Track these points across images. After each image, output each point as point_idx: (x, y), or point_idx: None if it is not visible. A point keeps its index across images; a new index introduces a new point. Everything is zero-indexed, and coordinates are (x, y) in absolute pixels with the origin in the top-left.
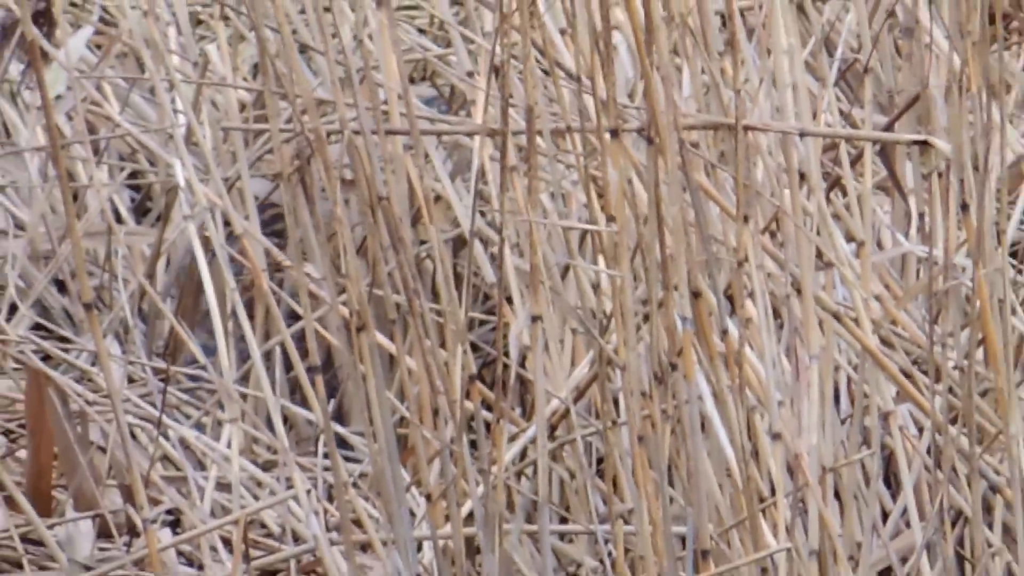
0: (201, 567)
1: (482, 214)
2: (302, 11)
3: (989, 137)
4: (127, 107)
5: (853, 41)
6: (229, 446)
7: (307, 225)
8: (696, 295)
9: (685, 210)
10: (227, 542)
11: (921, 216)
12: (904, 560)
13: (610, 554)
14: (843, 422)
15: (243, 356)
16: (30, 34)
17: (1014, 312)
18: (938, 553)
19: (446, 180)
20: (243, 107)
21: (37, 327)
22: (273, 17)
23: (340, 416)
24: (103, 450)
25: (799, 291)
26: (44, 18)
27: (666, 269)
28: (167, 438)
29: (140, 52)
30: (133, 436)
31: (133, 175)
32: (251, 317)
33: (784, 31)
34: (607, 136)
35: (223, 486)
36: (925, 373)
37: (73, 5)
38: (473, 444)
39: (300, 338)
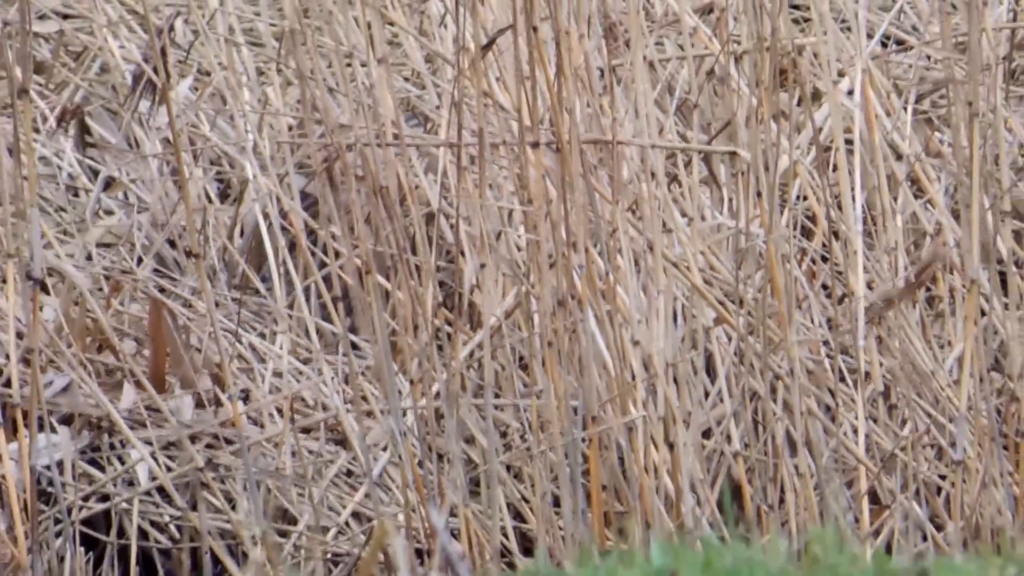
0: (263, 426)
1: (445, 199)
2: (329, 65)
3: (774, 149)
4: (215, 127)
5: (686, 86)
6: (281, 348)
7: (331, 204)
8: (586, 251)
9: (579, 196)
10: (279, 411)
11: (731, 200)
12: (719, 423)
13: (528, 419)
14: (680, 334)
15: (290, 290)
16: (160, 81)
17: (789, 262)
18: (741, 419)
19: (422, 176)
20: (290, 128)
21: (156, 271)
22: (311, 70)
23: (353, 329)
24: (199, 350)
25: (651, 249)
26: (162, 70)
27: (568, 234)
28: (241, 343)
29: (223, 92)
30: (218, 342)
31: (219, 172)
32: (295, 265)
33: (642, 79)
34: (529, 148)
35: (277, 374)
36: (733, 302)
37: (180, 62)
38: (440, 347)
39: (327, 278)
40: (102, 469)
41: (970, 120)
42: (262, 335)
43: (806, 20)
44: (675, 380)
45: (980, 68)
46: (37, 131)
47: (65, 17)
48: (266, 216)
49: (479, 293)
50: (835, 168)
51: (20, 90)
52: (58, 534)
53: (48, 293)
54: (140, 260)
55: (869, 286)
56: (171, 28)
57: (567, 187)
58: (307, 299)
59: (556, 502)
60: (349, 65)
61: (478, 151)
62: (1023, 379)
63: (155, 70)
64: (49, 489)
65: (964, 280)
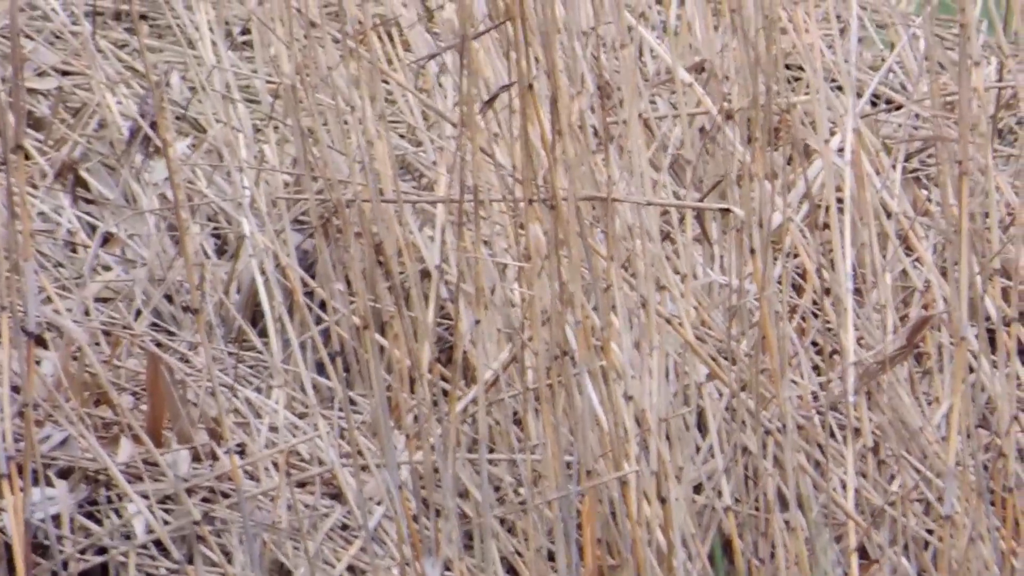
0: (259, 480)
1: (442, 254)
2: (325, 123)
3: (768, 207)
4: (212, 184)
5: (679, 144)
6: (277, 403)
7: (328, 261)
8: (580, 307)
9: (574, 252)
10: (275, 465)
11: (723, 257)
12: (710, 478)
13: (523, 473)
14: (673, 390)
15: (286, 345)
16: (158, 138)
17: (782, 320)
18: (732, 474)
19: (417, 233)
20: (287, 185)
21: (154, 326)
22: (308, 127)
23: (350, 384)
24: (196, 405)
25: (645, 305)
26: (158, 126)
27: (563, 290)
28: (237, 397)
29: (220, 149)
30: (215, 396)
31: (215, 228)
32: (292, 320)
33: (636, 138)
34: (525, 204)
35: (273, 429)
36: (726, 358)
37: (177, 119)
38: (435, 403)
39: (324, 333)
40: (99, 522)
41: (959, 179)
42: (258, 390)
43: (797, 79)
44: (667, 435)
45: (969, 127)
46: (35, 186)
47: (64, 74)
48: (263, 272)
49: (475, 350)
50: (826, 226)
51: (16, 145)
52: None
53: (46, 348)
54: (138, 315)
55: (859, 342)
56: (167, 83)
57: (561, 244)
58: (303, 354)
59: (550, 556)
60: (346, 122)
61: (475, 208)
62: (1010, 435)
63: (152, 125)
64: (46, 542)
65: (953, 338)
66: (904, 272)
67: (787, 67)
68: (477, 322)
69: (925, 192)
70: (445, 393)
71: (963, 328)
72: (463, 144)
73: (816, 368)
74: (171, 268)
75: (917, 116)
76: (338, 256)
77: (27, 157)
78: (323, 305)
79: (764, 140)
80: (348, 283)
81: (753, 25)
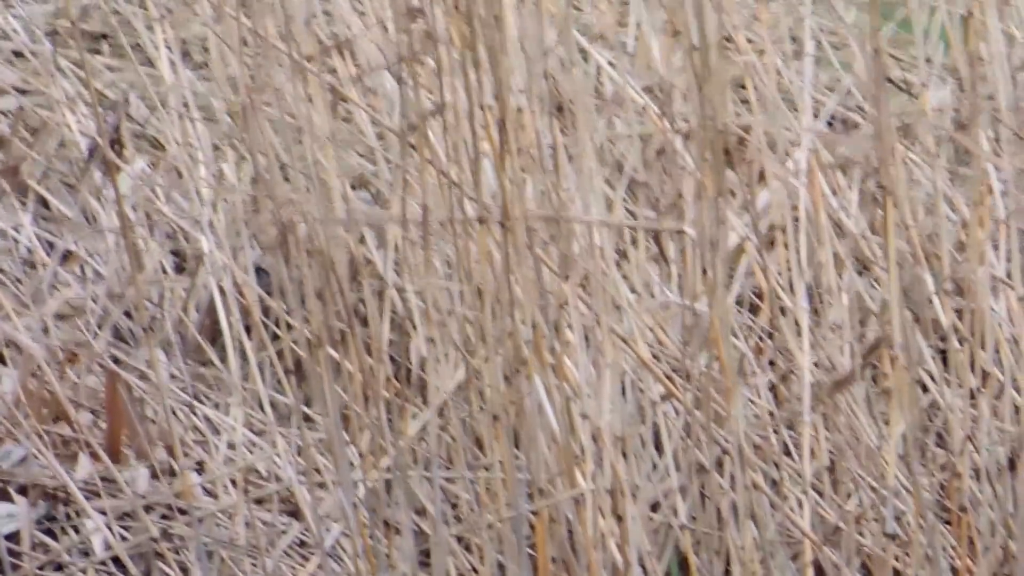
0: (217, 497)
1: (396, 273)
2: (273, 150)
3: (721, 227)
4: (170, 201)
5: (635, 164)
6: (235, 420)
7: (284, 279)
8: (534, 326)
9: (527, 271)
10: (233, 482)
11: (679, 276)
12: (666, 496)
13: (477, 491)
14: (628, 408)
15: (244, 362)
16: (110, 156)
17: (736, 337)
18: (688, 492)
19: (374, 251)
20: (244, 203)
21: (113, 343)
22: (263, 147)
23: (307, 401)
24: (154, 422)
25: (600, 324)
26: (117, 144)
27: (513, 309)
28: (196, 415)
29: (179, 167)
30: (174, 413)
31: (174, 246)
32: (250, 337)
33: (590, 157)
34: (476, 224)
35: (231, 446)
36: (680, 377)
37: (136, 137)
38: (390, 421)
39: (281, 351)
40: (58, 539)
41: (884, 200)
42: (217, 406)
43: (752, 100)
44: (623, 453)
45: (889, 151)
46: None
47: (23, 92)
48: (221, 290)
49: (429, 367)
50: (771, 243)
51: None
52: None
53: (5, 364)
54: (97, 333)
55: (815, 364)
56: (126, 100)
57: (515, 262)
58: (261, 372)
59: (505, 573)
60: (300, 142)
61: (424, 227)
62: (964, 454)
63: (111, 143)
64: (4, 558)
65: (903, 358)
66: (859, 292)
67: (742, 87)
68: (430, 340)
69: (881, 212)
70: (401, 411)
71: (900, 346)
72: (406, 160)
73: (772, 388)
74: (130, 285)
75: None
76: (294, 274)
77: None
78: (279, 323)
79: (716, 160)
80: (304, 301)
81: (701, 45)
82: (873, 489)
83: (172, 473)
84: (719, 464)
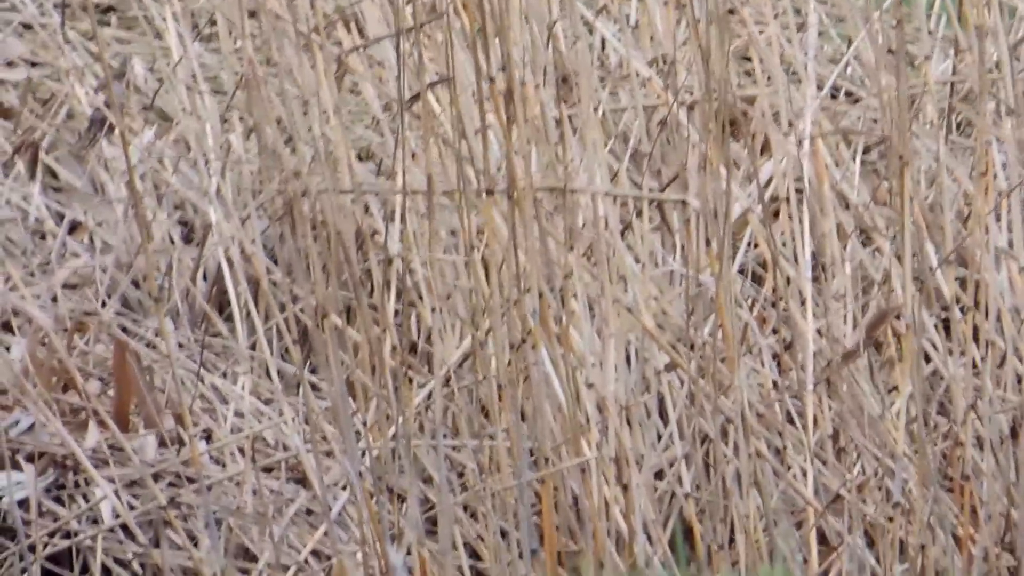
0: (224, 465)
1: (402, 244)
2: (279, 120)
3: (725, 197)
4: (178, 172)
5: (639, 136)
6: (243, 389)
7: (291, 249)
8: (540, 297)
9: (533, 241)
10: (241, 450)
11: (683, 247)
12: (671, 465)
13: (482, 460)
14: (633, 378)
15: (252, 332)
16: (118, 126)
17: (740, 307)
18: (692, 461)
19: (380, 222)
20: (251, 175)
21: (121, 313)
22: (270, 118)
23: (313, 371)
24: (163, 391)
25: (605, 293)
26: (123, 115)
27: (519, 280)
28: (204, 383)
29: (187, 138)
30: (182, 382)
31: (182, 216)
32: (256, 307)
33: (595, 129)
34: (484, 194)
35: (238, 414)
36: (685, 346)
37: (144, 108)
38: (396, 390)
39: (287, 321)
40: (66, 506)
41: (900, 171)
42: (224, 375)
43: (756, 72)
44: (628, 422)
45: (908, 123)
46: (5, 174)
47: (33, 64)
48: (229, 260)
49: (435, 337)
50: (775, 215)
51: None
52: (23, 571)
53: (14, 333)
54: (105, 302)
55: (819, 333)
56: (129, 70)
57: (520, 233)
58: (268, 341)
59: (510, 541)
60: (306, 114)
61: (428, 199)
62: (966, 423)
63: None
64: (13, 526)
65: (911, 326)
66: (862, 262)
67: (747, 59)
68: (435, 310)
69: (884, 183)
70: (408, 380)
71: (908, 316)
72: (410, 132)
73: (776, 357)
74: (138, 255)
75: (877, 108)
76: (300, 244)
77: None
78: (287, 292)
79: (720, 131)
80: (310, 272)
81: (705, 17)
82: (876, 458)
83: (180, 441)
84: (723, 433)
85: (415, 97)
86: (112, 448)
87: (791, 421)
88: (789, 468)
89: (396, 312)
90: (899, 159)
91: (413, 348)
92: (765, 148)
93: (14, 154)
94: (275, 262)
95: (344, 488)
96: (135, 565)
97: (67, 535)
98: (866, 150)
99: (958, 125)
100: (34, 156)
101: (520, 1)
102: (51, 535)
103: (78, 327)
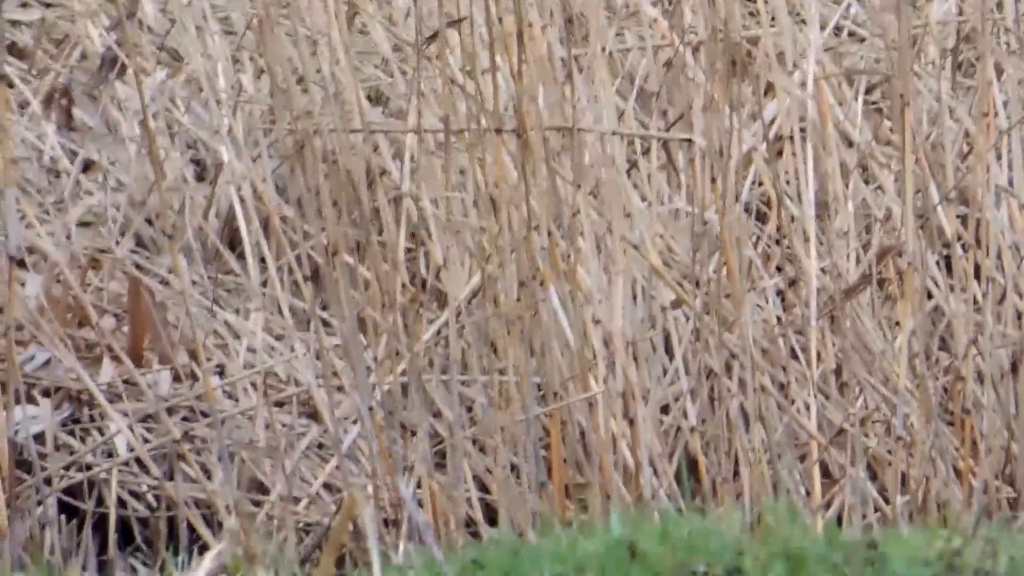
0: (237, 400)
1: (412, 182)
2: (302, 54)
3: (730, 136)
4: (190, 111)
5: (646, 76)
6: (255, 325)
7: (302, 188)
8: (548, 234)
9: (541, 180)
10: (253, 385)
11: (688, 186)
12: (676, 399)
13: (491, 395)
14: (639, 314)
15: (263, 269)
16: (133, 66)
17: (745, 245)
18: (697, 396)
19: (390, 161)
20: (261, 114)
21: (135, 250)
22: (281, 59)
23: (324, 306)
24: (176, 327)
25: (612, 231)
26: (133, 54)
27: (530, 218)
28: (216, 319)
29: (199, 78)
30: (195, 318)
31: (195, 155)
32: (268, 244)
33: (601, 69)
34: (492, 134)
35: (251, 350)
36: (690, 283)
37: (157, 48)
38: (406, 326)
39: (298, 258)
40: (82, 440)
41: (901, 111)
42: (236, 312)
43: (761, 12)
44: (634, 358)
45: (910, 63)
46: (17, 112)
47: (47, 6)
48: (240, 198)
49: (445, 274)
50: (779, 154)
51: None
52: (39, 503)
53: (28, 271)
54: (119, 240)
55: (822, 269)
56: (140, 10)
57: (529, 172)
58: (280, 278)
59: (519, 475)
60: (315, 54)
61: (445, 137)
62: (968, 358)
63: (127, 54)
64: (29, 459)
65: (910, 263)
66: (865, 200)
67: (751, 0)
68: (446, 247)
69: (886, 122)
70: (417, 314)
71: (911, 254)
72: (428, 72)
73: (780, 294)
74: (151, 193)
75: (879, 49)
76: (311, 183)
77: (10, 85)
78: (298, 230)
79: (725, 72)
80: (321, 209)
81: None
82: (878, 392)
83: (193, 376)
84: (728, 368)
85: (431, 38)
86: (126, 383)
87: (795, 356)
88: (793, 402)
89: (406, 250)
90: (900, 98)
91: (423, 285)
92: (769, 88)
93: (47, 103)
94: (286, 201)
95: (355, 422)
96: (149, 497)
97: (82, 468)
98: (868, 90)
99: (959, 65)
100: (49, 95)
101: None
102: (67, 468)
103: (92, 264)
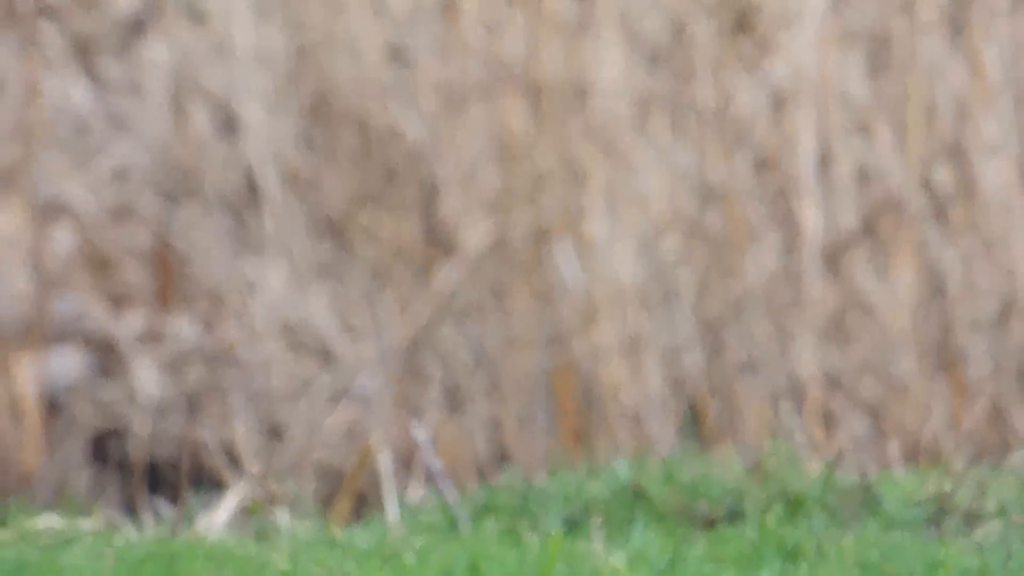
0: (258, 348)
1: (428, 138)
2: (321, 14)
3: (734, 96)
4: (213, 70)
5: (656, 34)
6: (275, 276)
7: (322, 143)
8: (559, 188)
9: (552, 135)
10: (274, 334)
11: (695, 142)
12: (680, 348)
13: (504, 343)
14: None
15: (283, 221)
16: (161, 25)
17: (747, 200)
18: (701, 345)
19: (406, 117)
20: (285, 73)
21: (160, 203)
22: (303, 18)
23: (342, 258)
24: (200, 278)
25: (620, 185)
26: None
27: (541, 170)
28: (238, 270)
29: (223, 37)
30: (217, 269)
31: (219, 112)
32: (289, 198)
33: (613, 28)
34: (505, 91)
35: (271, 301)
36: (696, 236)
37: (183, 6)
38: (421, 276)
39: (318, 210)
40: (109, 386)
41: (903, 72)
42: (258, 263)
43: None
44: (640, 307)
45: (916, 25)
46: (50, 71)
47: None
48: (263, 154)
49: (458, 227)
50: (795, 112)
51: (30, 33)
52: (69, 446)
53: (60, 223)
54: (145, 193)
55: (822, 224)
56: None
57: (541, 127)
58: (300, 231)
59: (529, 420)
60: (338, 13)
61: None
62: (959, 307)
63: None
64: (60, 405)
65: (905, 216)
66: (864, 157)
67: None
68: (461, 201)
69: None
70: (432, 266)
71: (913, 206)
72: (444, 31)
73: (783, 246)
74: (176, 148)
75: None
76: (331, 138)
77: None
78: (319, 184)
79: (731, 31)
80: (340, 164)
81: None
82: (875, 341)
83: (216, 325)
84: (731, 317)
85: None
86: (152, 332)
87: (795, 306)
88: (793, 350)
89: (421, 203)
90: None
91: (438, 237)
92: (772, 48)
93: (74, 58)
94: (307, 156)
95: (372, 370)
96: (173, 442)
97: (110, 413)
98: (869, 51)
99: (955, 27)
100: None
101: None
102: (95, 414)
103: (120, 217)
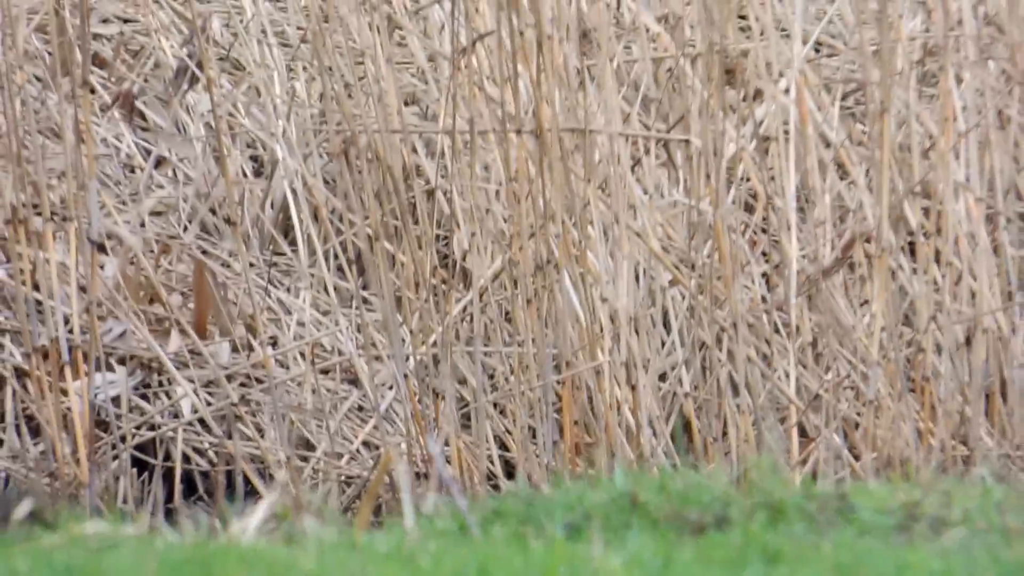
0: (288, 368)
1: (443, 177)
2: (349, 64)
3: (722, 137)
4: (249, 115)
5: (650, 84)
6: (304, 302)
7: (347, 182)
8: (562, 222)
9: (556, 176)
10: (302, 355)
11: (685, 180)
12: (673, 368)
13: (512, 364)
14: (641, 293)
15: (312, 253)
16: (205, 76)
17: (734, 232)
18: (691, 365)
19: (424, 158)
20: (312, 117)
21: (200, 236)
22: (329, 67)
23: (365, 286)
24: (235, 304)
25: (617, 221)
26: (202, 67)
27: (546, 207)
28: (270, 297)
29: (258, 85)
30: (252, 296)
31: (253, 153)
32: (317, 232)
33: (610, 77)
34: (513, 135)
35: (300, 324)
36: (686, 266)
37: (220, 59)
38: (437, 304)
39: (344, 243)
40: (152, 403)
41: (880, 115)
42: (288, 290)
43: (751, 28)
44: (636, 331)
45: (890, 72)
46: (98, 116)
47: (125, 21)
48: (293, 191)
49: (471, 258)
50: (777, 154)
51: (82, 82)
52: (114, 458)
53: (107, 254)
54: (186, 227)
55: (802, 255)
56: (208, 26)
57: (546, 168)
58: (326, 261)
59: (534, 434)
60: (361, 63)
61: (471, 138)
62: (928, 332)
63: (198, 65)
64: (107, 420)
65: (878, 248)
66: (840, 194)
67: (742, 17)
68: (473, 235)
69: (859, 126)
70: (445, 295)
71: (886, 240)
72: (458, 81)
73: (765, 275)
74: (215, 186)
75: (853, 61)
76: (355, 178)
77: (92, 91)
78: (343, 219)
79: (719, 80)
80: (363, 201)
81: None
82: (850, 362)
83: (250, 347)
84: (718, 340)
85: (462, 50)
86: (191, 353)
87: (777, 331)
88: (775, 371)
89: (437, 236)
90: (880, 104)
91: (452, 268)
92: (757, 95)
93: (113, 103)
94: (333, 193)
95: (391, 388)
96: (210, 454)
97: (152, 428)
98: (844, 96)
99: (924, 76)
100: (129, 103)
101: None
102: (138, 428)
103: (163, 249)
